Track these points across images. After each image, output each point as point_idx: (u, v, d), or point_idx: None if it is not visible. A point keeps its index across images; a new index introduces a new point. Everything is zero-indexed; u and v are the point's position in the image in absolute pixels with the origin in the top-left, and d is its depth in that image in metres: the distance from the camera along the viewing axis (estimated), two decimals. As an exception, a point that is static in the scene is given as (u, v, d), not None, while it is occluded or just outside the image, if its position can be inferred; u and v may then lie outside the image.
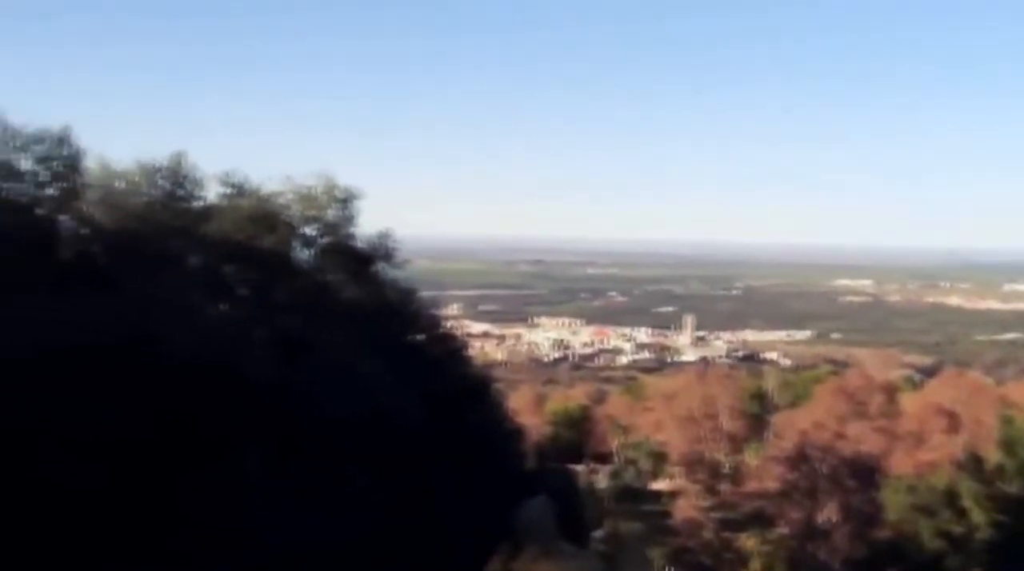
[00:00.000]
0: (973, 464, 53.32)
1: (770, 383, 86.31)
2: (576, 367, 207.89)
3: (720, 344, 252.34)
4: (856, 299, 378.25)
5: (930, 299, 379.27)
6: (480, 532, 30.69)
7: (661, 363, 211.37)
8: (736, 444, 74.00)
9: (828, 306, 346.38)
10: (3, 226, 26.10)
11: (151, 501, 22.27)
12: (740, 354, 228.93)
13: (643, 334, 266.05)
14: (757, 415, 77.10)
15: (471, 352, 47.54)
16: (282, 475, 25.28)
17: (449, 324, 41.65)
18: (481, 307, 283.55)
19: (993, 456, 53.29)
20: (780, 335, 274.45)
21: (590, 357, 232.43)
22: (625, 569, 42.18)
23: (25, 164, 26.70)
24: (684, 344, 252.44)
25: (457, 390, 33.84)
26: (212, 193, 31.40)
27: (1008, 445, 51.90)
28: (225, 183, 31.77)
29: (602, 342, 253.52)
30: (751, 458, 70.89)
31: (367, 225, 33.79)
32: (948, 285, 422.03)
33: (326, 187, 32.66)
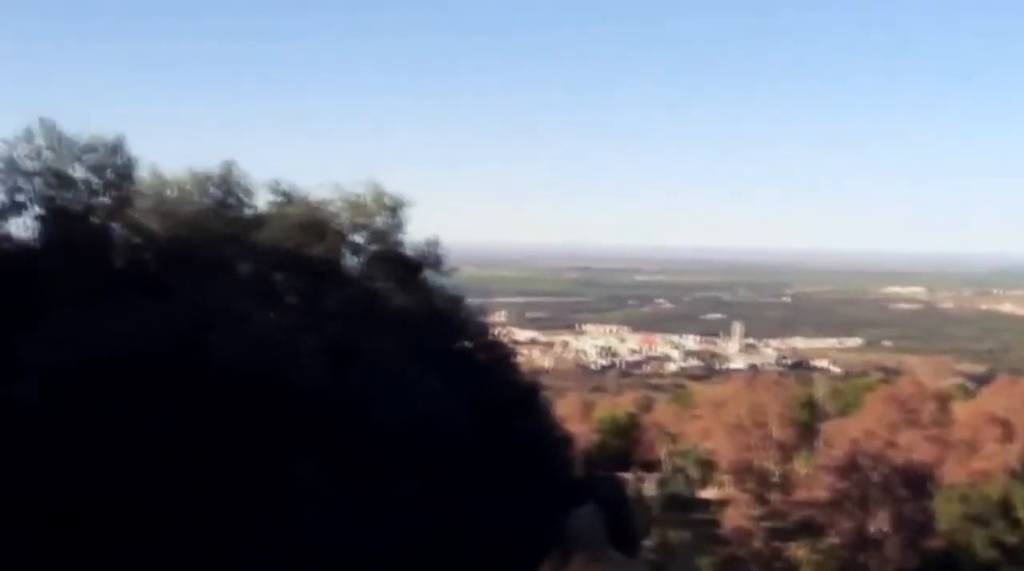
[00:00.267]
0: (1028, 473, 52.57)
1: (820, 391, 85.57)
2: (623, 374, 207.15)
3: (769, 351, 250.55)
4: (908, 306, 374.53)
5: (983, 306, 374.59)
6: (529, 539, 30.75)
7: (709, 371, 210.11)
8: (786, 452, 73.45)
9: (879, 313, 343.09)
10: (58, 234, 26.55)
11: (206, 504, 22.51)
12: (789, 362, 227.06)
13: (691, 341, 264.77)
14: (807, 423, 76.45)
15: (518, 359, 47.53)
16: (333, 481, 25.45)
17: (496, 331, 41.71)
18: (528, 314, 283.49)
19: (1048, 465, 52.54)
20: (830, 342, 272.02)
21: (637, 364, 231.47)
22: (674, 578, 42.06)
23: (79, 173, 27.18)
24: (733, 351, 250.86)
25: (505, 397, 33.86)
26: (262, 201, 31.77)
27: (1064, 454, 51.15)
28: (274, 191, 32.10)
29: (650, 349, 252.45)
30: (801, 467, 70.31)
31: (415, 232, 34.04)
32: (1001, 292, 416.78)
33: (374, 195, 32.86)
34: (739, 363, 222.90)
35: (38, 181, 26.22)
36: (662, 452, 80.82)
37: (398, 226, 33.13)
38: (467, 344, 35.27)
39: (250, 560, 22.27)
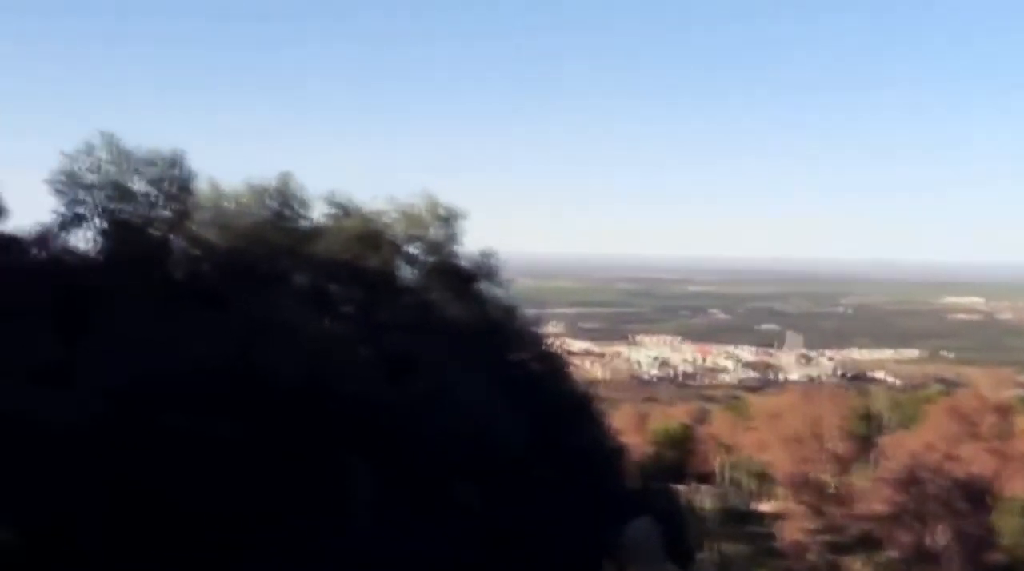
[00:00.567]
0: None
1: (878, 403, 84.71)
2: (678, 385, 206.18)
3: (826, 363, 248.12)
4: (966, 317, 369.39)
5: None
6: (584, 552, 30.64)
7: (765, 382, 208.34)
8: (843, 465, 72.73)
9: (937, 324, 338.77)
10: (118, 247, 26.93)
11: (262, 513, 22.71)
12: (846, 373, 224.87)
13: (746, 352, 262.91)
14: (865, 436, 75.68)
15: (572, 370, 47.46)
16: (387, 490, 25.55)
17: (551, 342, 41.66)
18: (581, 325, 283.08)
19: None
20: (888, 354, 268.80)
21: (692, 375, 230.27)
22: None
23: (139, 185, 27.58)
24: (788, 363, 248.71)
25: (560, 408, 33.81)
26: (318, 212, 32.02)
27: None
28: (330, 203, 32.33)
29: (704, 360, 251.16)
30: (859, 480, 69.56)
31: (470, 243, 34.14)
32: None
33: (429, 206, 33.00)
34: (795, 374, 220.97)
35: (99, 194, 26.67)
36: (717, 464, 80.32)
37: (453, 237, 33.25)
38: (522, 355, 35.25)
39: (306, 569, 22.42)
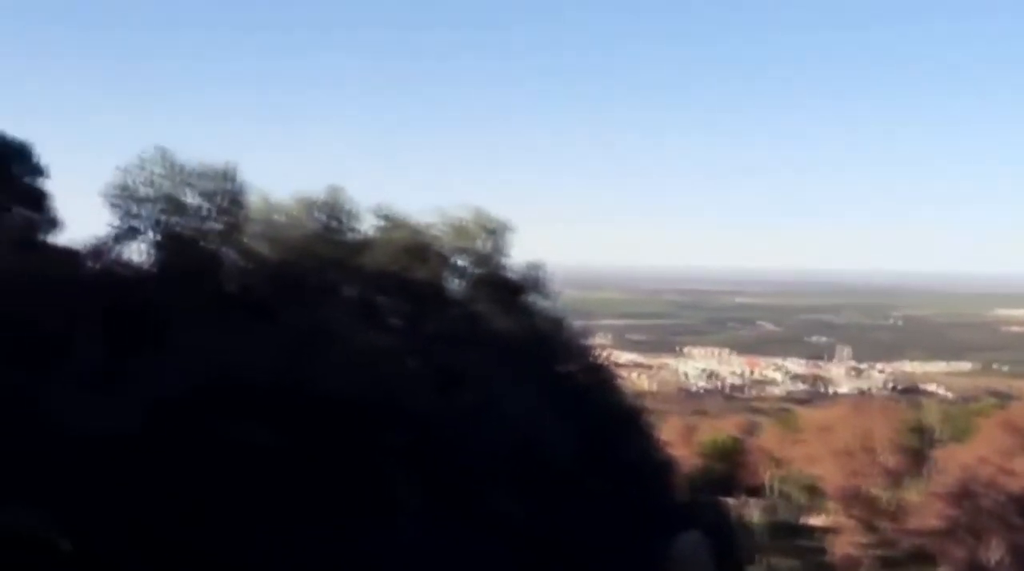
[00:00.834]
0: None
1: (931, 416, 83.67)
2: (726, 398, 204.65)
3: (877, 375, 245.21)
4: (1020, 329, 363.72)
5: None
6: (632, 565, 30.53)
7: (815, 394, 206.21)
8: (895, 479, 71.88)
9: (990, 336, 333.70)
10: (171, 259, 27.29)
11: (310, 523, 22.86)
12: (898, 386, 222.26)
13: (796, 364, 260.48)
14: (917, 449, 74.76)
15: (620, 382, 47.33)
16: (435, 501, 25.63)
17: (598, 353, 41.63)
18: (629, 336, 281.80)
19: None
20: (940, 366, 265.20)
21: (740, 387, 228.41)
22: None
23: (191, 199, 27.97)
24: (839, 375, 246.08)
25: (608, 420, 33.77)
26: (367, 225, 32.28)
27: None
28: (379, 215, 32.58)
29: (753, 372, 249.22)
30: (911, 494, 68.79)
31: (518, 255, 34.27)
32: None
33: (477, 218, 33.16)
34: (846, 387, 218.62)
35: (152, 207, 27.07)
36: (767, 477, 79.68)
37: (500, 249, 33.39)
38: (569, 367, 35.27)
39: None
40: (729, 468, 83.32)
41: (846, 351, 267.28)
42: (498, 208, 33.54)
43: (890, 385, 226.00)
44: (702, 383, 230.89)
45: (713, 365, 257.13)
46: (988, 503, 56.05)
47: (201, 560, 21.21)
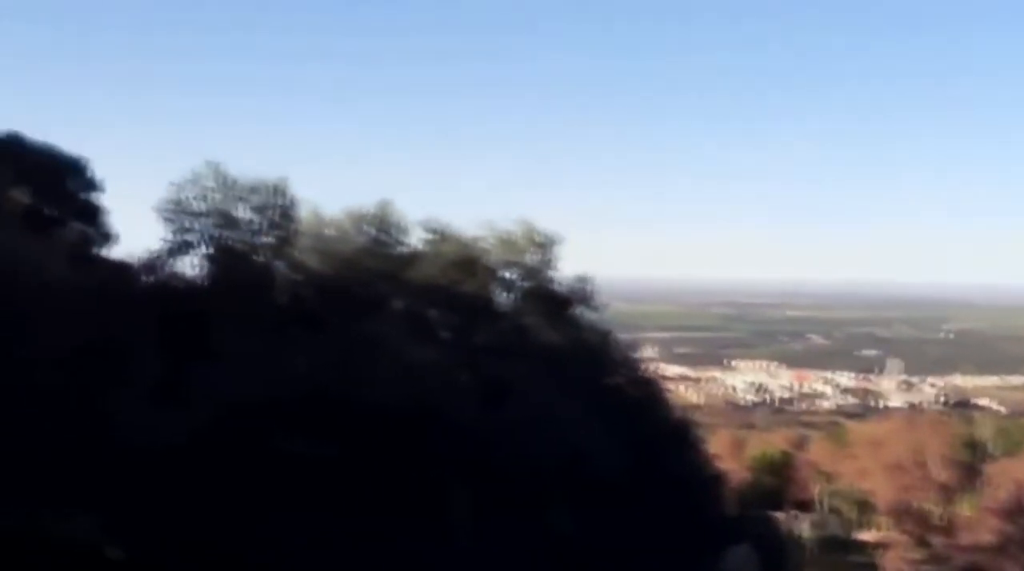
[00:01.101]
0: None
1: (984, 430, 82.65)
2: (775, 411, 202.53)
3: (928, 389, 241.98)
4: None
5: None
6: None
7: (865, 408, 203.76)
8: (947, 494, 71.03)
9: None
10: (224, 273, 27.62)
11: (361, 533, 23.02)
12: (950, 400, 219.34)
13: (845, 378, 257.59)
14: (970, 464, 73.83)
15: (668, 395, 47.19)
16: (484, 511, 25.69)
17: (646, 367, 41.55)
18: (676, 349, 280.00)
19: None
20: (993, 380, 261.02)
21: (790, 401, 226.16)
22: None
23: (243, 213, 28.32)
24: (890, 389, 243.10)
25: (657, 433, 33.69)
26: (416, 238, 32.46)
27: None
28: (428, 229, 32.74)
29: (802, 386, 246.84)
30: (964, 509, 67.97)
31: (566, 268, 34.32)
32: None
33: (525, 232, 33.23)
34: (896, 401, 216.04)
35: (205, 221, 27.45)
36: (817, 491, 78.97)
37: (549, 262, 33.44)
38: (617, 380, 35.22)
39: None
40: (778, 482, 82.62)
41: (897, 364, 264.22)
42: (546, 220, 33.63)
43: (942, 399, 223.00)
44: (750, 396, 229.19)
45: (762, 378, 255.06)
46: (1042, 518, 55.24)
47: (250, 569, 21.45)
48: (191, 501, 21.28)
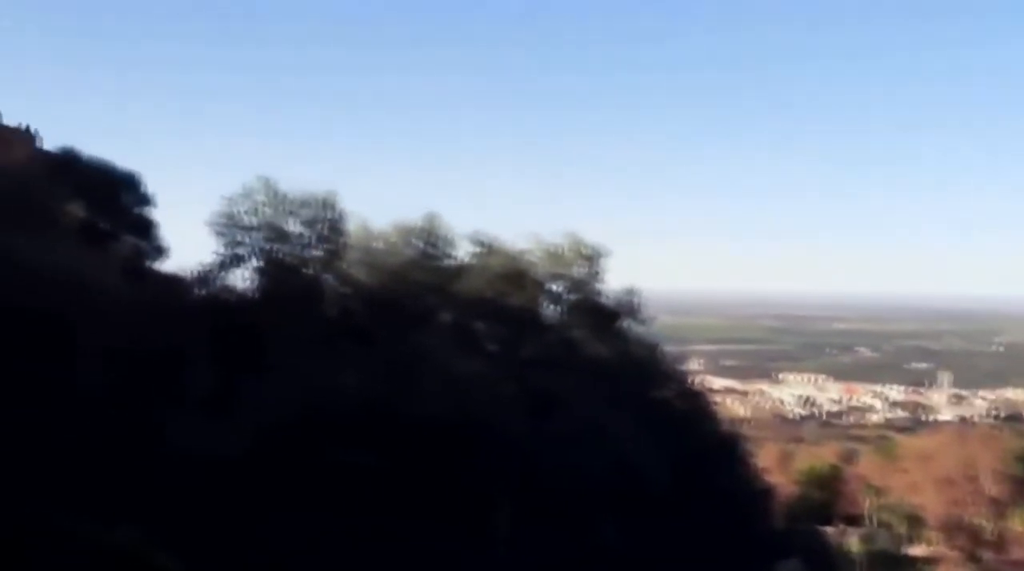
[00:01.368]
0: None
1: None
2: (824, 425, 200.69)
3: (979, 403, 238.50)
4: None
5: None
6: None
7: (915, 422, 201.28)
8: (999, 508, 70.14)
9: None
10: (274, 286, 27.98)
11: (408, 544, 23.18)
12: (1001, 413, 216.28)
13: (895, 391, 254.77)
14: (1021, 478, 72.89)
15: (715, 408, 47.00)
16: (530, 524, 25.77)
17: (693, 380, 41.45)
18: (723, 362, 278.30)
19: None
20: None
21: (838, 414, 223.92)
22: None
23: (294, 227, 28.71)
24: (940, 402, 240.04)
25: (704, 446, 33.59)
26: (463, 251, 32.67)
27: None
28: (475, 242, 32.93)
29: (851, 399, 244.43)
30: (1016, 524, 67.10)
31: (612, 280, 34.36)
32: None
33: (573, 245, 33.32)
34: (947, 415, 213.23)
35: (256, 235, 27.87)
36: (866, 506, 78.23)
37: (596, 275, 33.49)
38: (665, 392, 35.17)
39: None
40: (827, 496, 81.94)
41: (947, 378, 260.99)
42: (592, 233, 33.69)
43: (993, 413, 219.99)
44: (799, 410, 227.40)
45: (810, 391, 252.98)
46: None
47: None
48: (240, 511, 21.56)
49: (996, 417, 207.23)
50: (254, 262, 27.96)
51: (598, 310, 33.60)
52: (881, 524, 75.06)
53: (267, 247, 27.82)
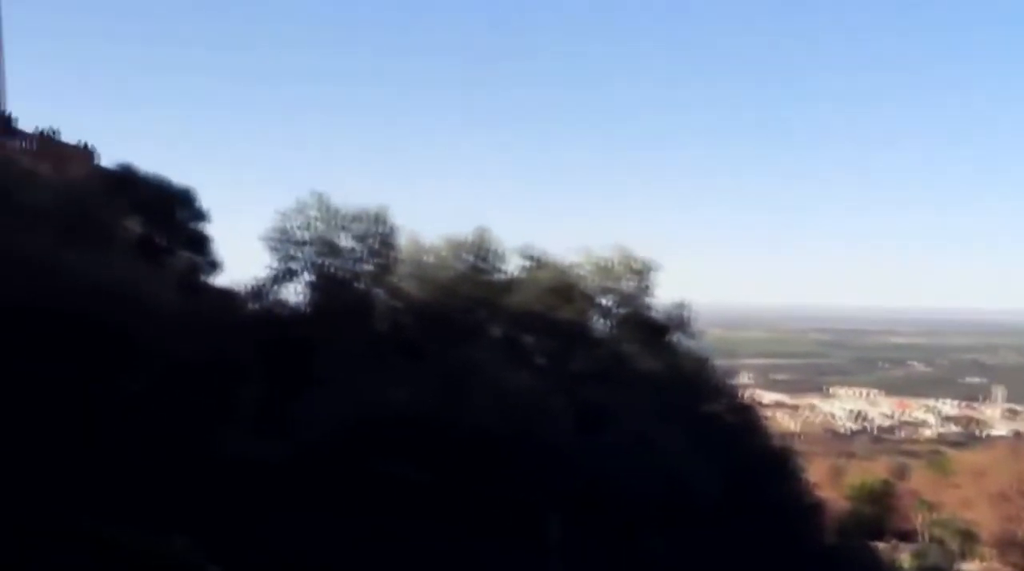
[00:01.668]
0: None
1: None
2: (875, 439, 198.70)
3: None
4: None
5: None
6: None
7: (969, 437, 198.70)
8: (1055, 525, 69.40)
9: None
10: (326, 300, 28.36)
11: (458, 557, 23.36)
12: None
13: (948, 406, 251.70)
14: (1078, 494, 72.14)
15: (765, 422, 46.78)
16: (580, 537, 25.85)
17: (743, 394, 41.33)
18: (773, 376, 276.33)
19: None
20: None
21: (890, 429, 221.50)
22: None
23: (345, 241, 29.12)
24: (994, 417, 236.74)
25: (755, 461, 33.48)
26: (513, 265, 32.86)
27: None
28: (525, 256, 33.10)
29: (903, 414, 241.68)
30: (1072, 541, 66.25)
31: (663, 294, 34.37)
32: None
33: (623, 259, 33.37)
34: (1002, 429, 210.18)
35: (309, 250, 28.30)
36: (919, 522, 77.50)
37: (646, 289, 33.51)
38: (714, 406, 35.10)
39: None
40: (879, 511, 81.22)
41: (1001, 392, 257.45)
42: (640, 244, 33.70)
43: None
44: (850, 424, 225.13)
45: (861, 406, 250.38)
46: None
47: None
48: (291, 523, 21.88)
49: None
50: (306, 276, 28.37)
51: (648, 324, 33.63)
52: (933, 540, 74.32)
53: (319, 261, 28.23)
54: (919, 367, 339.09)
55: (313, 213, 27.92)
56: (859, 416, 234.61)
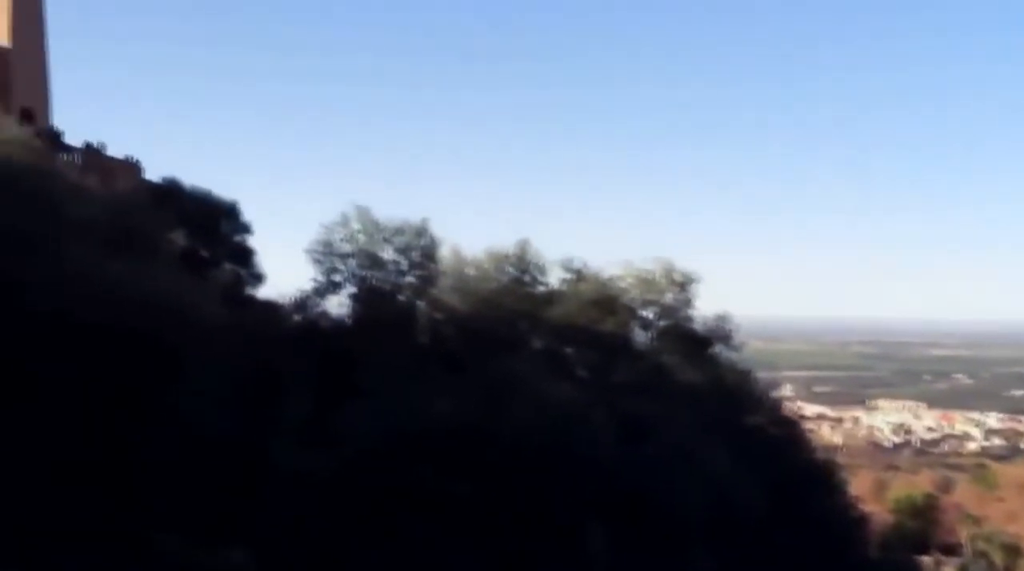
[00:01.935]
0: None
1: None
2: (919, 453, 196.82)
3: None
4: None
5: None
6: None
7: (1013, 450, 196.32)
8: (1103, 540, 68.55)
9: None
10: (369, 312, 28.55)
11: (501, 565, 23.41)
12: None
13: (993, 419, 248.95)
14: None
15: (808, 436, 46.54)
16: (622, 550, 25.80)
17: (786, 406, 41.15)
18: (815, 388, 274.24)
19: None
20: None
21: (934, 442, 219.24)
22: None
23: (388, 254, 29.34)
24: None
25: (799, 474, 33.34)
26: (555, 278, 32.96)
27: None
28: (567, 268, 33.19)
29: (947, 427, 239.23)
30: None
31: (704, 307, 34.38)
32: None
33: (664, 271, 33.41)
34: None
35: (352, 262, 28.54)
36: (963, 535, 76.79)
37: (687, 301, 33.54)
38: (757, 419, 35.00)
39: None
40: (922, 525, 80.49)
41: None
42: (682, 256, 33.71)
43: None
44: (893, 437, 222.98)
45: (905, 419, 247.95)
46: None
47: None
48: (339, 534, 22.02)
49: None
50: (349, 289, 28.58)
51: (689, 336, 33.62)
52: (978, 554, 73.66)
53: (362, 274, 28.44)
54: (963, 380, 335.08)
55: (356, 226, 28.15)
56: (903, 429, 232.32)
